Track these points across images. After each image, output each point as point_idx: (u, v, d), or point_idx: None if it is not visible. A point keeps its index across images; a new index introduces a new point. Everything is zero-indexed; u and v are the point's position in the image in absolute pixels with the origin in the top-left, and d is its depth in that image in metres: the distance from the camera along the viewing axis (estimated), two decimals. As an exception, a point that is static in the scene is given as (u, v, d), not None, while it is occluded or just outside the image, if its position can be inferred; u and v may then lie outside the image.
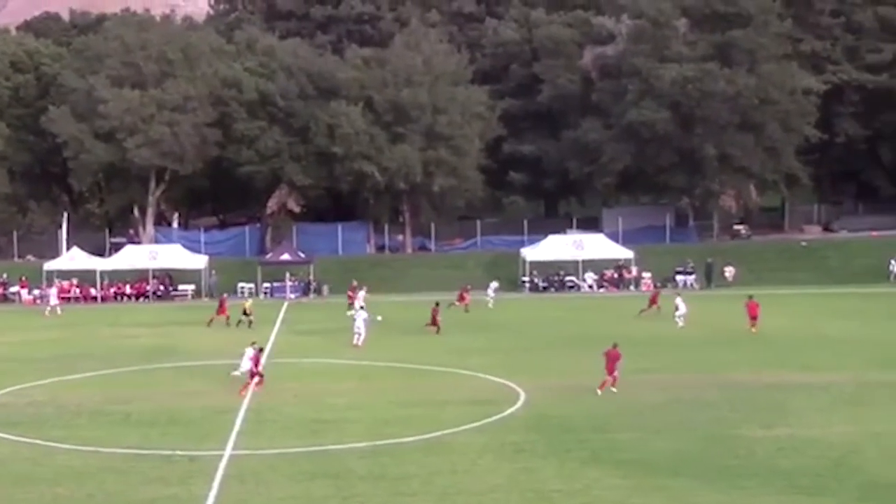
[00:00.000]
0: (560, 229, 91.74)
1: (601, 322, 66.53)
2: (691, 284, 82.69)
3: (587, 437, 37.96)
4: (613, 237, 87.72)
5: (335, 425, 40.16)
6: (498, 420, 40.63)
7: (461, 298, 71.35)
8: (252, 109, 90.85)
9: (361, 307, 63.80)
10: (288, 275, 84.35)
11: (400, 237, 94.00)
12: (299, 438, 38.08)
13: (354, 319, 59.13)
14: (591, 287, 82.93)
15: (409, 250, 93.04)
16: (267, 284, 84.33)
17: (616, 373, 44.99)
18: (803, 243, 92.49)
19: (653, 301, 66.72)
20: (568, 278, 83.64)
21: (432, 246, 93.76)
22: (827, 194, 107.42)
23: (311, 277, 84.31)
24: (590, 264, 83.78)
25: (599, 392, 44.60)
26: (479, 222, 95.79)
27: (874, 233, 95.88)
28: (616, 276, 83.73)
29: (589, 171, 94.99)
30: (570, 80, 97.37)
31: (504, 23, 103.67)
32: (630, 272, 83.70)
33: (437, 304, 62.88)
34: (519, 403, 43.34)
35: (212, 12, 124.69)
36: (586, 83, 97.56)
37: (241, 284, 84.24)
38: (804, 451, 35.84)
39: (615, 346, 46.08)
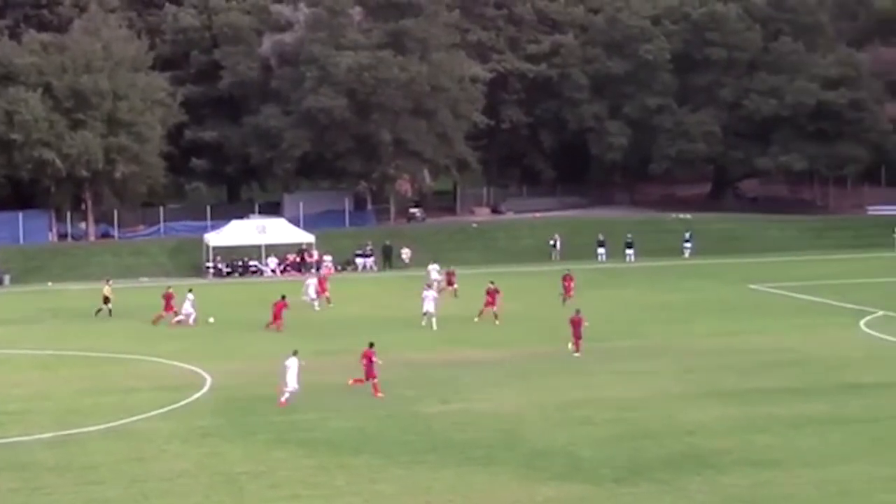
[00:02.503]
0: (243, 214, 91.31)
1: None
2: (371, 266, 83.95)
3: (272, 418, 38.37)
4: (295, 221, 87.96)
5: (20, 417, 39.20)
6: (185, 405, 40.55)
7: (449, 283, 68.10)
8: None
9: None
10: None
11: (83, 225, 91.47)
12: (-17, 432, 36.99)
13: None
14: (273, 271, 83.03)
15: (92, 238, 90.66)
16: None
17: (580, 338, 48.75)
18: (474, 225, 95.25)
19: (567, 289, 64.14)
20: (251, 263, 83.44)
21: (115, 233, 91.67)
22: (494, 178, 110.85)
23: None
24: (272, 249, 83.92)
25: (577, 353, 48.30)
26: (162, 209, 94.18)
27: (537, 214, 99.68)
28: (298, 260, 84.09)
29: (270, 157, 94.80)
30: (250, 66, 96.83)
31: (183, 9, 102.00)
32: (311, 256, 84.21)
33: (284, 297, 58.46)
34: (205, 388, 43.34)
35: None
36: (266, 70, 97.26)
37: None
38: (478, 424, 37.31)
39: (578, 312, 49.71)
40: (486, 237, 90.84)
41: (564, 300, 62.57)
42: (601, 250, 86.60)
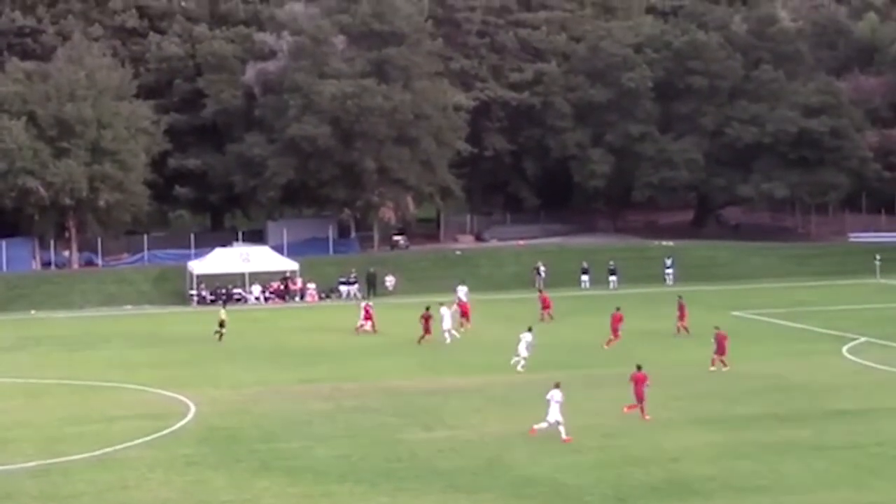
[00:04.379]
0: (226, 242, 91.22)
1: (267, 334, 66.71)
2: (355, 294, 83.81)
3: (256, 447, 38.24)
4: (279, 249, 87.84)
5: (3, 445, 39.03)
6: (169, 434, 40.38)
7: (545, 306, 69.07)
8: None
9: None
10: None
11: (66, 252, 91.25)
12: (-34, 461, 36.77)
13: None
14: (257, 299, 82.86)
15: (76, 266, 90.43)
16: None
17: (725, 353, 51.62)
18: (457, 252, 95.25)
19: (681, 317, 63.43)
20: (235, 291, 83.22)
21: (99, 261, 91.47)
22: (478, 205, 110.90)
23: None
24: (256, 276, 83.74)
25: (725, 368, 50.43)
26: (146, 236, 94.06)
27: (520, 241, 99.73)
28: (282, 287, 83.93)
29: (254, 185, 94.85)
30: (234, 94, 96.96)
31: (167, 38, 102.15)
32: (295, 283, 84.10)
33: (428, 309, 60.75)
34: (189, 416, 43.16)
35: None
36: (249, 98, 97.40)
37: None
38: (462, 451, 37.23)
39: (717, 328, 52.86)
40: (469, 264, 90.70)
41: (679, 329, 62.63)
42: (585, 277, 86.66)
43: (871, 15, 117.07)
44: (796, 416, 41.74)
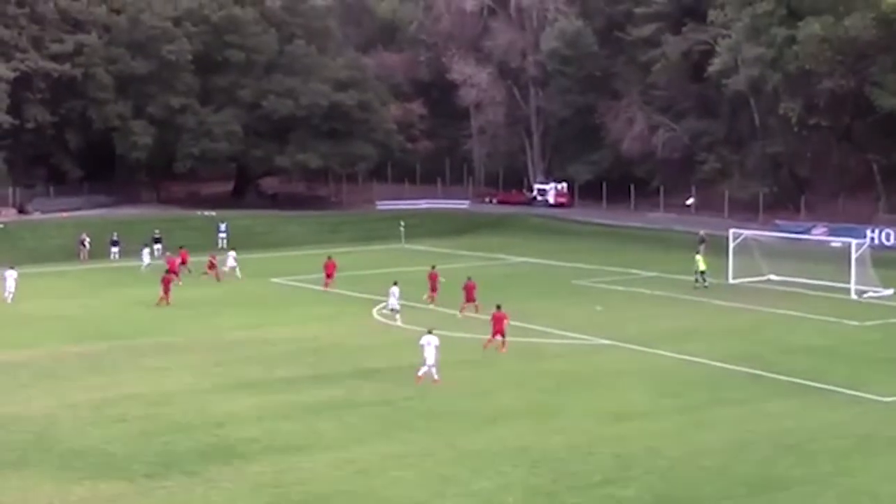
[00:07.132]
0: None
1: None
2: None
3: None
4: None
5: None
6: None
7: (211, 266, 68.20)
8: None
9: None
10: None
11: None
12: None
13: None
14: None
15: None
16: None
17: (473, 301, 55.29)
18: (0, 226, 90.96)
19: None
20: None
21: None
22: (20, 178, 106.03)
23: None
24: None
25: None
26: None
27: (64, 214, 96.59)
28: None
29: None
30: None
31: None
32: None
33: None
34: None
35: None
36: None
37: None
38: (8, 427, 36.11)
39: (469, 278, 56.89)
40: (13, 238, 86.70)
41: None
42: (115, 249, 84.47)
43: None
44: (331, 377, 43.09)
